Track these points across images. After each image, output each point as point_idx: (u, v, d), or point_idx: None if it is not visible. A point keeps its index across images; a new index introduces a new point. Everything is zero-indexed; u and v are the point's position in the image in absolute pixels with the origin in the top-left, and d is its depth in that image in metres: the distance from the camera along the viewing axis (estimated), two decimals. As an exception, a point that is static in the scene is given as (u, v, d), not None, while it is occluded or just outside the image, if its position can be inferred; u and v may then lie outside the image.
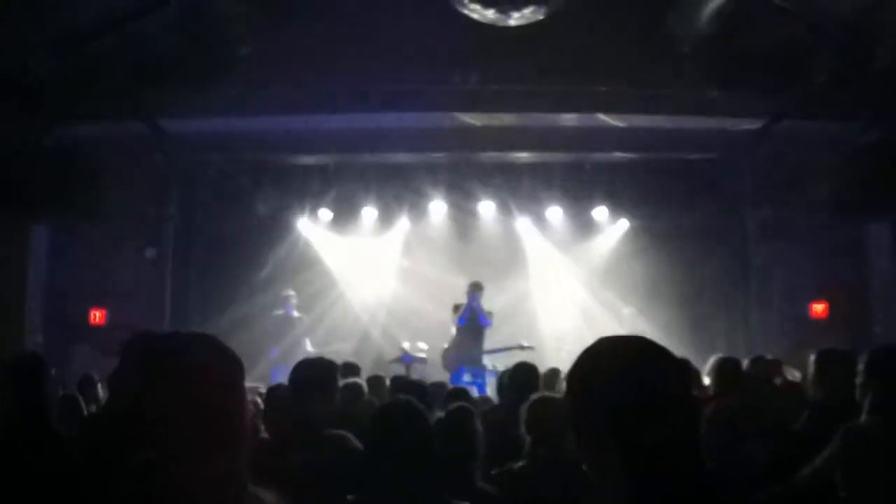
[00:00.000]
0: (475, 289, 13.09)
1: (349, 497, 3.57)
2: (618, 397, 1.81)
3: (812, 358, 5.88)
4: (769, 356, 9.22)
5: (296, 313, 14.02)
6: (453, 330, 13.24)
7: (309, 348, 13.37)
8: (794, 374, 9.24)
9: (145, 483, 1.65)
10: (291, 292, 14.13)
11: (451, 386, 8.30)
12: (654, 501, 1.77)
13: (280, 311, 13.99)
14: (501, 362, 11.42)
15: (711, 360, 7.66)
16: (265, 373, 12.58)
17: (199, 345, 1.86)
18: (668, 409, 1.80)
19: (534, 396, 5.27)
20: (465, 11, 9.58)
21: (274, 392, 5.97)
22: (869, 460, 4.17)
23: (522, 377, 6.73)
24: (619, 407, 1.80)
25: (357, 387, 6.67)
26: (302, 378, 4.92)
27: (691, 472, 1.79)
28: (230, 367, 1.85)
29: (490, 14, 9.48)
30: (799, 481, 4.42)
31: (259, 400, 7.34)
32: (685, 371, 1.94)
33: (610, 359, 1.92)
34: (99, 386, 8.03)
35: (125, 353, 1.82)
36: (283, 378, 12.04)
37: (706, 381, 7.45)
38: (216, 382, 1.78)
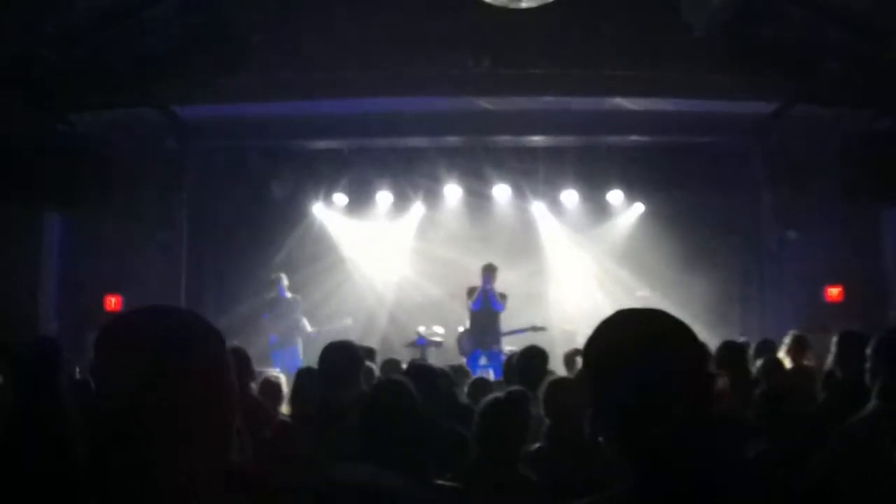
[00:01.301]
0: (489, 271, 13.07)
1: None
2: (623, 373, 1.79)
3: (834, 339, 5.89)
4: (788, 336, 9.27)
5: (288, 294, 13.98)
6: (468, 314, 13.23)
7: (308, 329, 13.50)
8: (809, 357, 9.26)
9: (131, 480, 1.58)
10: (281, 274, 14.09)
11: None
12: (653, 482, 1.76)
13: (272, 294, 13.97)
14: (517, 345, 11.42)
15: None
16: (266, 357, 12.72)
17: (164, 320, 1.73)
18: (678, 391, 1.78)
19: (551, 378, 5.30)
20: (477, -6, 9.54)
21: (301, 377, 6.00)
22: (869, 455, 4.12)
23: (531, 361, 6.73)
24: (624, 383, 1.78)
25: (369, 371, 6.70)
26: (332, 364, 4.95)
27: (695, 455, 1.76)
28: (205, 344, 1.71)
29: (502, -4, 9.45)
30: (812, 467, 4.40)
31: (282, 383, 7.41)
32: (701, 350, 1.90)
33: (623, 336, 1.88)
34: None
35: (96, 339, 1.68)
36: (283, 362, 12.20)
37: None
38: (189, 362, 1.65)
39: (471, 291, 13.19)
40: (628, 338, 1.87)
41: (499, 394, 4.43)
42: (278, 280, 13.98)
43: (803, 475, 4.18)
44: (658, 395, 1.76)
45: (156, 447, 1.57)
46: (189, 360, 1.65)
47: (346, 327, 13.40)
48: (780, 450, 4.44)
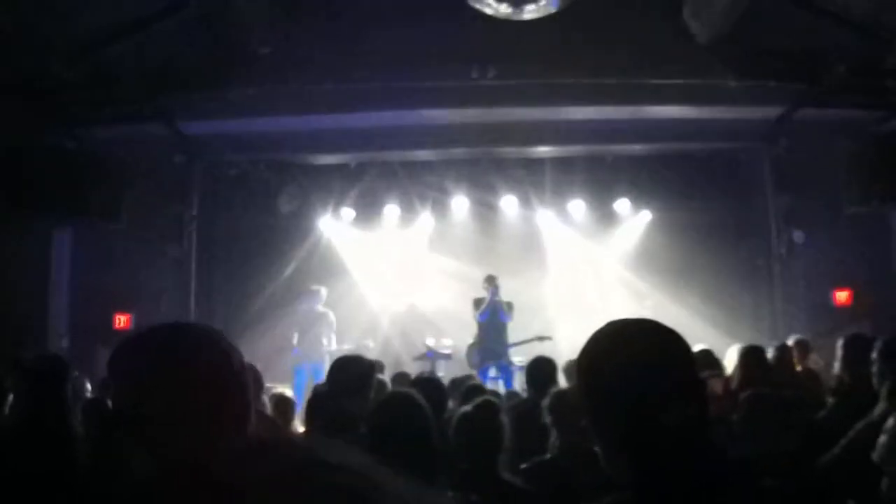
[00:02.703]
0: (491, 283, 13.06)
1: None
2: (620, 381, 1.83)
3: (839, 343, 5.87)
4: (790, 340, 9.30)
5: (321, 308, 13.99)
6: (475, 326, 13.21)
7: (334, 346, 13.41)
8: (817, 361, 9.27)
9: (144, 477, 1.64)
10: (320, 287, 14.14)
11: (472, 382, 8.27)
12: (655, 486, 1.78)
13: (305, 306, 14.01)
14: (525, 355, 11.39)
15: (735, 348, 7.75)
16: (289, 371, 12.74)
17: (184, 336, 1.84)
18: (671, 392, 1.81)
19: (554, 390, 5.32)
20: (479, 6, 9.57)
21: (316, 391, 6.04)
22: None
23: (539, 371, 6.79)
24: (621, 391, 1.82)
25: (381, 384, 6.73)
26: (340, 377, 4.99)
27: (694, 458, 1.79)
28: (219, 356, 1.80)
29: (503, 8, 9.47)
30: (818, 470, 4.40)
31: (267, 401, 7.41)
32: (690, 355, 1.94)
33: (615, 342, 1.93)
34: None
35: (114, 352, 1.79)
36: (302, 377, 12.13)
37: (728, 368, 7.50)
38: (204, 372, 1.75)
39: (477, 302, 13.16)
40: (621, 345, 1.92)
41: (467, 407, 4.46)
42: (315, 293, 14.02)
43: (806, 478, 4.19)
44: (650, 401, 1.79)
45: (154, 447, 1.63)
46: (188, 368, 1.73)
47: (367, 349, 13.30)
48: (782, 453, 4.43)
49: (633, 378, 1.82)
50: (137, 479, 1.64)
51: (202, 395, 1.71)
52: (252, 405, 1.83)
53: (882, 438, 3.70)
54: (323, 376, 12.19)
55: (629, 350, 1.89)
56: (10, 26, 9.27)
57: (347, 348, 12.95)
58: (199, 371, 1.75)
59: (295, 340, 13.61)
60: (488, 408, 4.45)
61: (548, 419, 4.98)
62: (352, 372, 5.04)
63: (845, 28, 10.04)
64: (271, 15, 10.99)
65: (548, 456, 4.85)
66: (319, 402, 5.43)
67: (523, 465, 4.68)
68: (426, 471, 3.59)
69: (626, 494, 1.84)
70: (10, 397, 5.20)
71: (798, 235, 13.15)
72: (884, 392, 4.40)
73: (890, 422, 4.07)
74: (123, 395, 1.73)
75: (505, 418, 4.43)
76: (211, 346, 1.82)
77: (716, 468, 1.83)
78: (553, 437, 4.91)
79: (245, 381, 1.83)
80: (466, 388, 6.71)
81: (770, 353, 8.06)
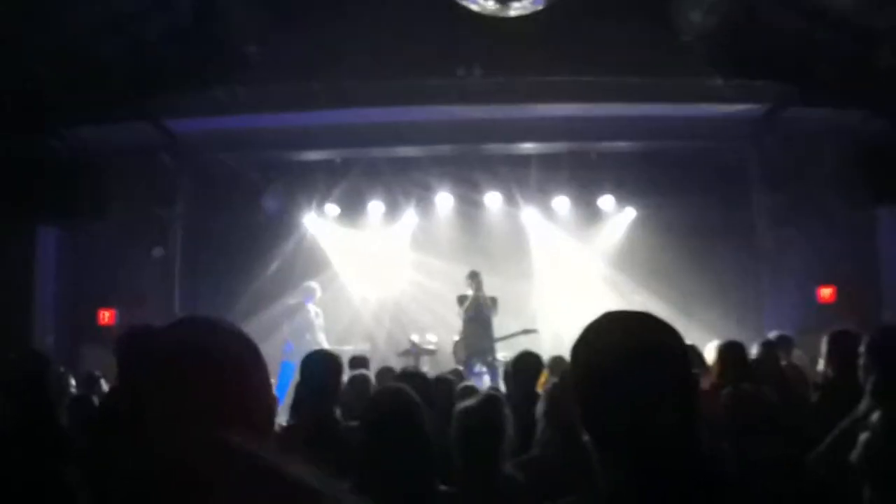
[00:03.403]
0: (474, 279, 13.07)
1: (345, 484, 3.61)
2: (616, 375, 1.82)
3: (824, 339, 5.88)
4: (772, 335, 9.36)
5: (311, 307, 14.00)
6: (460, 322, 13.21)
7: (326, 344, 13.35)
8: (801, 357, 9.31)
9: (151, 472, 1.62)
10: (314, 285, 14.15)
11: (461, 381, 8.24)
12: (650, 485, 1.78)
13: (294, 301, 13.99)
14: (510, 350, 11.40)
15: (714, 344, 7.76)
16: (274, 368, 12.71)
17: (208, 329, 1.79)
18: (666, 391, 1.80)
19: (552, 380, 5.30)
20: (466, 3, 9.57)
21: (299, 390, 6.05)
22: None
23: (525, 365, 6.74)
24: (617, 386, 1.81)
25: (365, 378, 6.71)
26: (313, 373, 4.98)
27: (687, 456, 1.79)
28: (243, 350, 1.77)
29: (490, 5, 9.47)
30: (805, 468, 4.40)
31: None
32: (685, 349, 1.93)
33: (611, 334, 1.91)
34: (103, 382, 8.06)
35: (125, 345, 1.75)
36: (292, 372, 12.16)
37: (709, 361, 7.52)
38: (230, 366, 1.70)
39: (461, 299, 13.15)
40: (616, 341, 1.89)
41: (470, 401, 4.40)
42: (310, 290, 14.03)
43: (795, 476, 4.19)
44: (646, 398, 1.78)
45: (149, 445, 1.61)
46: (194, 357, 1.68)
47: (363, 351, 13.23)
48: (768, 452, 4.43)
49: (630, 373, 1.81)
50: (131, 477, 1.62)
51: (201, 396, 1.63)
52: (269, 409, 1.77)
53: (863, 436, 3.69)
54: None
55: (626, 343, 1.87)
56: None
57: (349, 349, 12.83)
58: (204, 372, 1.67)
59: (286, 334, 13.61)
60: (492, 400, 4.42)
61: (539, 411, 4.94)
62: (324, 368, 5.04)
63: (831, 25, 10.06)
64: (258, 14, 10.96)
65: (537, 451, 4.82)
66: (299, 399, 5.43)
67: (512, 461, 4.63)
68: (420, 464, 3.59)
69: (619, 487, 1.84)
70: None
71: (788, 230, 13.19)
72: (869, 388, 4.40)
73: (874, 418, 4.07)
74: (121, 392, 1.70)
75: (508, 411, 4.39)
76: (227, 343, 1.77)
77: (709, 463, 1.83)
78: (539, 432, 4.87)
79: (261, 382, 1.78)
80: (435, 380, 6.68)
81: (755, 350, 8.10)
